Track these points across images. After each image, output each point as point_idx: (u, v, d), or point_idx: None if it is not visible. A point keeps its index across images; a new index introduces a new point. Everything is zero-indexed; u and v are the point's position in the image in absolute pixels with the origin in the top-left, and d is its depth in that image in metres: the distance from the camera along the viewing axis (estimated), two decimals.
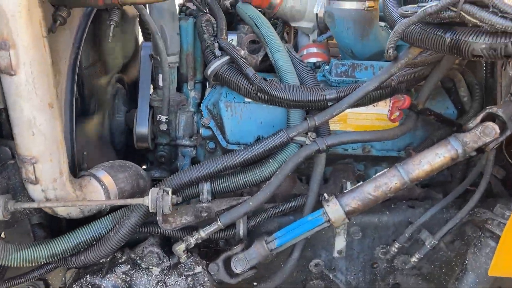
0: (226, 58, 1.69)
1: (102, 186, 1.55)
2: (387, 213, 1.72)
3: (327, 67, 1.84)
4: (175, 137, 2.07)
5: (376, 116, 1.74)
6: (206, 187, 1.59)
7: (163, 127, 2.00)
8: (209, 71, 1.70)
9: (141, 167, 2.77)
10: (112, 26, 1.60)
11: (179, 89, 2.09)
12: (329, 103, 1.56)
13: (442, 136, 1.73)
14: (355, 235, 1.72)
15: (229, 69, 1.68)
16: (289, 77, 1.65)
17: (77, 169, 1.64)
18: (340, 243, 1.72)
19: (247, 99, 1.74)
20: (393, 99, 1.52)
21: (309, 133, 1.57)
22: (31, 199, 1.43)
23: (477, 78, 1.81)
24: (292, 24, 2.06)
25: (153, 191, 1.42)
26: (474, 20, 1.08)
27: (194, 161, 2.10)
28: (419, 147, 1.72)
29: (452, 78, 1.79)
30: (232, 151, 1.62)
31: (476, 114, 1.73)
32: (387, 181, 1.44)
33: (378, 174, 1.48)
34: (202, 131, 1.83)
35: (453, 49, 1.19)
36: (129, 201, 1.44)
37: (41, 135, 1.31)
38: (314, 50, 2.05)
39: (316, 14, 1.98)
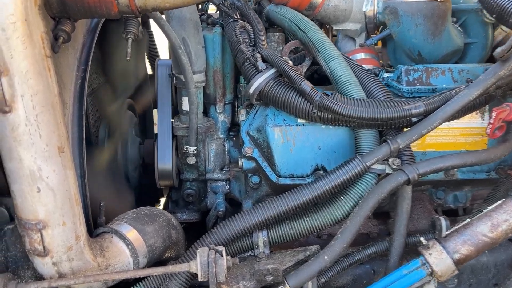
0: (272, 71, 1.35)
1: (128, 246, 1.21)
2: (486, 251, 1.37)
3: (387, 74, 1.51)
4: (205, 170, 1.71)
5: (460, 131, 1.41)
6: (262, 238, 1.24)
7: (191, 160, 1.65)
8: (251, 89, 1.35)
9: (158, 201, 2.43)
10: (130, 40, 1.25)
11: (205, 112, 1.75)
12: (413, 119, 1.23)
13: None
14: (449, 282, 1.37)
15: (277, 85, 1.34)
16: (354, 90, 1.31)
17: (93, 224, 1.29)
18: None
19: (300, 121, 1.39)
20: (496, 110, 1.19)
21: (391, 160, 1.23)
22: (38, 275, 1.07)
23: None
24: (335, 27, 1.73)
25: (202, 253, 1.07)
26: None
27: (227, 198, 1.76)
28: None
29: None
30: (285, 186, 1.27)
31: None
32: (507, 218, 1.10)
33: (489, 208, 1.14)
34: (244, 162, 1.48)
35: None
36: (171, 268, 1.08)
37: (49, 190, 0.98)
38: (362, 56, 1.72)
39: (365, 13, 1.66)
